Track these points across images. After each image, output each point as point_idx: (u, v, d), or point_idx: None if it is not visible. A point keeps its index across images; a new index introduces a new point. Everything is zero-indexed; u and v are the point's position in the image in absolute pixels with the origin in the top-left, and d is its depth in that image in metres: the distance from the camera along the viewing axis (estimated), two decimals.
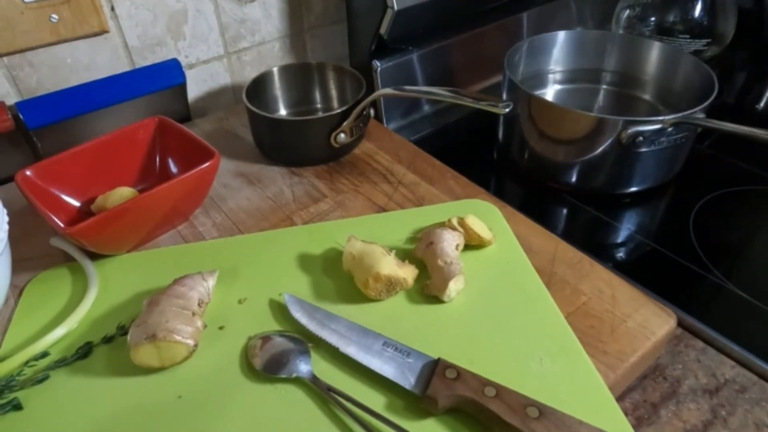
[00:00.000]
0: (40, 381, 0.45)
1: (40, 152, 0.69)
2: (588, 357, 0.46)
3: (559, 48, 0.86)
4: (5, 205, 0.50)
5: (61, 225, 0.51)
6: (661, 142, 0.65)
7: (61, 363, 0.46)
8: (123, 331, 0.48)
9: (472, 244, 0.56)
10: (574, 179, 0.72)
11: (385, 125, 0.84)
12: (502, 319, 0.49)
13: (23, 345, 0.48)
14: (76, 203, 0.60)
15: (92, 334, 0.49)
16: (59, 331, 0.48)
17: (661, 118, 0.62)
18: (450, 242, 0.53)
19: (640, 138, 0.63)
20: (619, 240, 0.68)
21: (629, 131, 0.63)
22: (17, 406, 0.43)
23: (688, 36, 0.98)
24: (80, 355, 0.47)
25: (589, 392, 0.43)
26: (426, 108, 0.91)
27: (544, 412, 0.39)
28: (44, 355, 0.47)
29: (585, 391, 0.43)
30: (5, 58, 0.65)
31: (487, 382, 0.41)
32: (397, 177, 0.68)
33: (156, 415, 0.43)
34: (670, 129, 0.63)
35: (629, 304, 0.51)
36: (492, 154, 0.85)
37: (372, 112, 0.72)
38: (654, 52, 0.81)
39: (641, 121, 0.63)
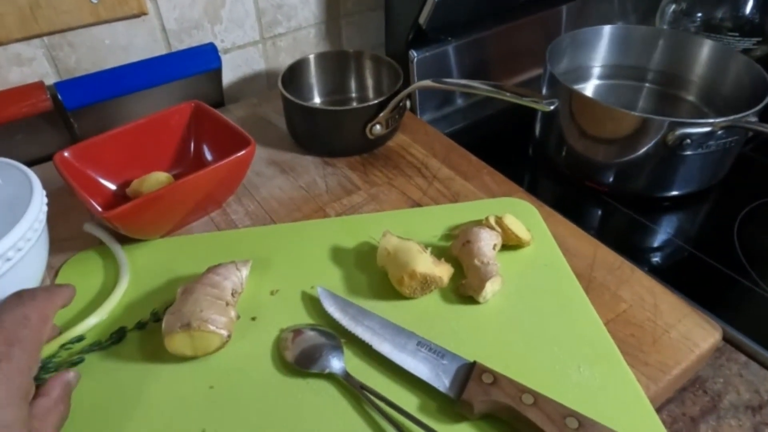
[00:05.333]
0: (75, 364, 0.45)
1: (77, 134, 0.70)
2: (628, 367, 0.44)
3: (604, 43, 0.83)
4: (42, 185, 0.50)
5: (99, 209, 0.51)
6: (709, 146, 0.62)
7: (96, 347, 0.46)
8: (156, 317, 0.48)
9: (510, 244, 0.54)
10: (613, 180, 0.70)
11: (419, 117, 0.82)
12: (539, 323, 0.48)
13: (59, 326, 0.48)
14: (111, 186, 0.60)
15: (126, 318, 0.49)
16: (91, 320, 0.48)
17: (711, 120, 0.60)
18: (487, 241, 0.52)
19: (688, 140, 0.60)
20: (658, 245, 0.66)
21: (677, 133, 0.60)
22: None
23: (737, 34, 0.94)
24: (114, 340, 0.47)
25: (630, 404, 0.42)
26: (460, 101, 0.89)
27: (583, 423, 0.38)
28: (80, 339, 0.47)
29: (625, 402, 0.42)
30: (46, 38, 0.65)
31: (525, 389, 0.40)
32: (431, 171, 0.67)
33: (187, 404, 0.43)
34: (719, 132, 0.61)
35: (672, 314, 0.49)
36: (527, 151, 0.83)
37: (408, 103, 0.71)
38: (703, 51, 0.78)
39: (689, 123, 0.61)
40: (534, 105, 0.56)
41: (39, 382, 0.42)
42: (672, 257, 0.64)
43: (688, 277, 0.61)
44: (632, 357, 0.46)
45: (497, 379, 0.41)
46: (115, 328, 0.48)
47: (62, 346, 0.46)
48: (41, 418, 0.35)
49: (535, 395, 0.40)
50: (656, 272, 0.59)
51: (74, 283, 0.52)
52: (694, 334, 0.47)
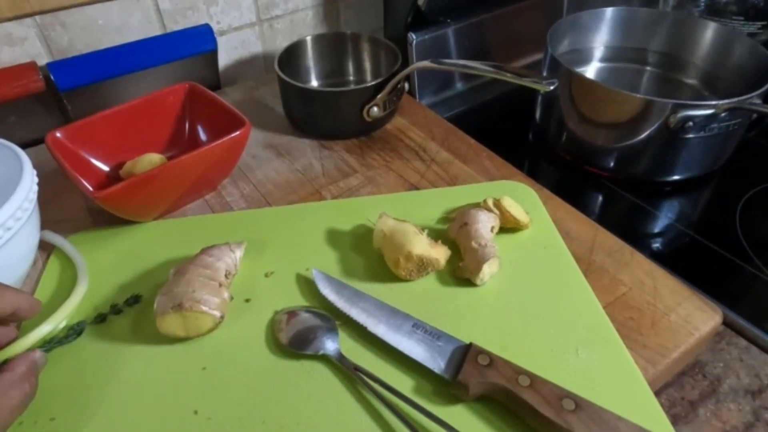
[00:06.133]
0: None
1: (71, 115, 0.69)
2: (627, 350, 0.44)
3: (606, 25, 0.82)
4: (35, 167, 0.49)
5: (91, 189, 0.50)
6: (712, 129, 0.61)
7: (55, 343, 0.45)
8: (116, 310, 0.47)
9: (508, 226, 0.54)
10: (613, 164, 0.69)
11: (418, 101, 0.81)
12: (536, 306, 0.47)
13: (49, 308, 0.47)
14: (105, 168, 0.59)
15: (119, 297, 0.48)
16: (45, 328, 0.44)
17: (714, 102, 0.59)
18: (485, 224, 0.51)
19: (690, 123, 0.59)
20: (659, 229, 0.65)
21: (679, 115, 0.59)
22: None
23: (741, 18, 0.93)
24: (72, 336, 0.46)
25: (627, 386, 0.41)
26: (459, 85, 0.88)
27: (580, 405, 0.37)
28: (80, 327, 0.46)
29: (622, 385, 0.41)
30: (37, 17, 0.64)
31: (521, 371, 0.40)
32: (429, 154, 0.66)
33: (179, 385, 0.42)
34: (723, 115, 0.59)
35: (672, 297, 0.48)
36: (527, 136, 0.82)
37: (406, 86, 0.69)
38: (707, 34, 0.76)
39: (693, 105, 0.59)
40: (534, 85, 0.55)
41: None
42: (673, 242, 0.63)
43: (690, 262, 0.60)
44: (631, 340, 0.45)
45: (493, 360, 0.40)
46: (106, 308, 0.47)
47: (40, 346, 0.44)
48: (3, 393, 0.35)
49: (532, 377, 0.39)
50: (657, 257, 0.58)
51: (67, 263, 0.52)
52: (694, 317, 0.47)
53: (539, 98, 0.78)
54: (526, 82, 0.56)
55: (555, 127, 0.74)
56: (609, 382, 0.41)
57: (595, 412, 0.37)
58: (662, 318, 0.47)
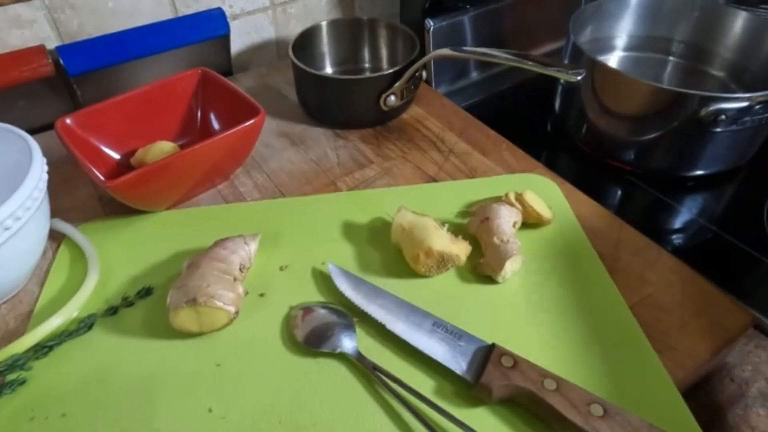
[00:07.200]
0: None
1: (80, 101, 0.67)
2: (655, 353, 0.42)
3: (630, 13, 0.79)
4: (44, 154, 0.47)
5: (102, 178, 0.49)
6: (744, 122, 0.59)
7: (89, 320, 0.45)
8: (128, 302, 0.46)
9: (530, 222, 0.52)
10: (635, 157, 0.67)
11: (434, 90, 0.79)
12: (560, 305, 0.46)
13: (59, 299, 0.47)
14: (115, 155, 0.58)
15: (131, 289, 0.47)
16: (55, 321, 0.44)
17: (749, 95, 0.56)
18: (507, 219, 0.49)
19: (723, 116, 0.57)
20: (682, 225, 0.63)
21: (711, 108, 0.57)
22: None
23: None
24: (108, 315, 0.45)
25: (657, 391, 0.40)
26: (474, 74, 0.86)
27: (609, 411, 0.36)
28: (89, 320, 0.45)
29: (652, 390, 0.40)
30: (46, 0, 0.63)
31: (547, 374, 0.38)
32: (448, 145, 0.64)
33: (193, 382, 0.41)
34: (756, 108, 0.57)
35: (701, 298, 0.47)
36: (545, 127, 0.79)
37: (424, 74, 0.67)
38: (736, 23, 0.73)
39: (726, 98, 0.57)
40: (560, 75, 0.53)
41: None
42: (697, 239, 0.61)
43: (714, 260, 0.58)
44: (658, 342, 0.43)
45: (517, 362, 0.39)
46: (117, 301, 0.46)
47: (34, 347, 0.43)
48: None
49: (558, 380, 0.38)
50: (680, 253, 0.56)
51: (78, 254, 0.51)
52: (725, 319, 0.45)
53: (559, 88, 0.75)
54: (552, 72, 0.54)
55: (575, 118, 0.72)
56: (637, 387, 0.40)
57: (625, 419, 0.36)
58: (691, 320, 0.45)
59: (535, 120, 0.80)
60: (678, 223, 0.63)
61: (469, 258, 0.48)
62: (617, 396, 0.38)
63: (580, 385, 0.38)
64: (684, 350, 0.43)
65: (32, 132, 0.49)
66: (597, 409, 0.36)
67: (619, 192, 0.68)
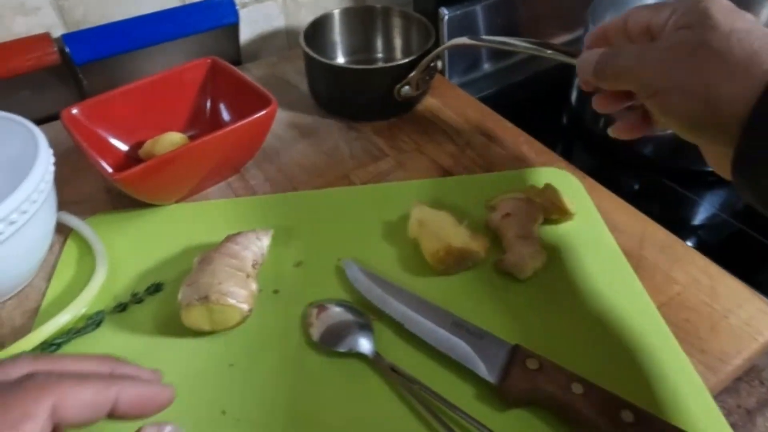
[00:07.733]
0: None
1: (86, 91, 0.65)
2: (685, 355, 0.40)
3: (649, 1, 0.77)
4: (50, 145, 0.46)
5: (109, 170, 0.47)
6: None
7: (98, 317, 0.43)
8: (137, 299, 0.45)
9: (552, 217, 0.50)
10: (655, 151, 0.65)
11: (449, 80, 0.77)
12: (585, 304, 0.44)
13: (67, 294, 0.45)
14: (123, 147, 0.56)
15: (138, 288, 0.46)
16: (62, 318, 0.42)
17: None
18: (529, 214, 0.48)
19: None
20: (706, 221, 0.61)
21: None
22: None
23: None
24: (117, 311, 0.44)
25: (688, 396, 0.38)
26: (487, 66, 0.84)
27: (640, 417, 0.34)
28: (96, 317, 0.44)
29: (683, 394, 0.38)
30: None
31: (575, 377, 0.37)
32: (464, 138, 0.62)
33: (206, 382, 0.39)
34: None
35: (731, 298, 0.45)
36: (561, 119, 0.77)
37: (439, 64, 0.65)
38: (764, 11, 0.71)
39: None
40: None
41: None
42: (719, 233, 0.59)
43: (737, 254, 0.56)
44: (688, 344, 0.42)
45: (543, 365, 0.37)
46: (126, 297, 0.45)
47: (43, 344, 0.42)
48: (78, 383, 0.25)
49: (586, 384, 0.36)
50: (702, 249, 0.54)
51: (85, 248, 0.49)
52: (756, 320, 0.43)
53: (576, 80, 0.73)
54: (575, 61, 0.52)
55: (593, 110, 0.70)
56: (668, 391, 0.38)
57: (657, 426, 0.34)
58: (721, 320, 0.43)
59: (550, 112, 0.78)
60: (700, 219, 0.62)
61: (489, 254, 0.47)
62: (647, 402, 0.36)
63: (607, 389, 0.36)
64: (715, 353, 0.41)
65: (37, 122, 0.47)
66: (627, 415, 0.34)
67: (639, 186, 0.66)
